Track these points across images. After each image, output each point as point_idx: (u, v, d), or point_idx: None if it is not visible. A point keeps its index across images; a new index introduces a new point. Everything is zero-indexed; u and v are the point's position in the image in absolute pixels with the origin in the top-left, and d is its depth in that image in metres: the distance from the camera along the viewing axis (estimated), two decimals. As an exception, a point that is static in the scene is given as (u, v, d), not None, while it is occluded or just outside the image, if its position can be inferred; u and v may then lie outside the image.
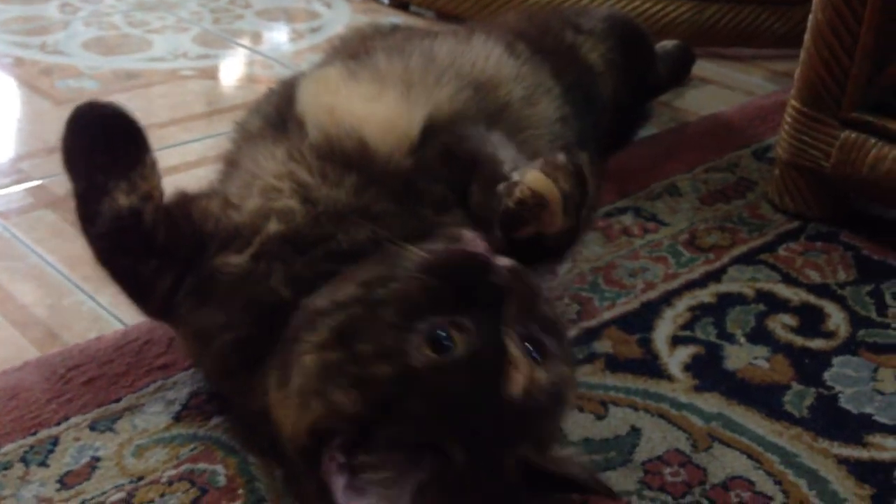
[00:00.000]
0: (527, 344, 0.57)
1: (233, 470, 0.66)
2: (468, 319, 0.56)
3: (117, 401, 0.72)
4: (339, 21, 1.60)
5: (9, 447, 0.67)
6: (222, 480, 0.65)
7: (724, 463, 0.70)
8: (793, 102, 1.01)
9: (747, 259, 0.95)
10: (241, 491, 0.65)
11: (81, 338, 0.79)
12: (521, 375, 0.55)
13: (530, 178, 0.63)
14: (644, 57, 1.19)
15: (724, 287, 0.90)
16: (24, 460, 0.66)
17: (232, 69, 1.40)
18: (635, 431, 0.72)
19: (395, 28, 1.19)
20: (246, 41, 1.50)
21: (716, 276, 0.92)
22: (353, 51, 0.92)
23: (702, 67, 1.48)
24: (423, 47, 0.86)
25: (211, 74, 1.36)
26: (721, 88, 1.42)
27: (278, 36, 1.53)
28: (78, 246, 0.90)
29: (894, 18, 0.93)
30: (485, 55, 0.88)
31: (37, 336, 0.81)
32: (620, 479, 0.68)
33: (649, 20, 1.49)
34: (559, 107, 0.92)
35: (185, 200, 0.69)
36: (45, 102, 1.23)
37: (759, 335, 0.84)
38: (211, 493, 0.64)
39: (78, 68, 1.34)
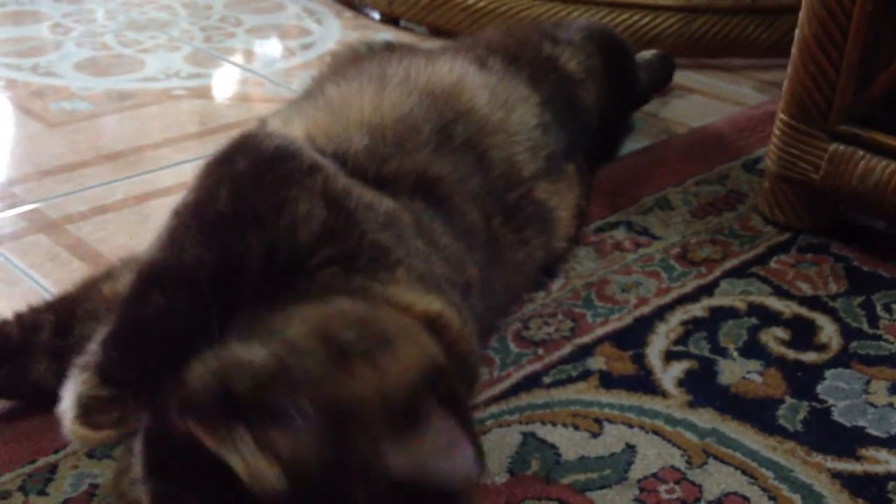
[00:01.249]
0: None
1: (231, 495, 0.67)
2: None
3: (114, 427, 0.72)
4: (331, 37, 1.61)
5: (7, 476, 0.67)
6: None
7: (719, 479, 0.70)
8: (781, 115, 1.02)
9: (739, 272, 0.96)
10: (239, 516, 0.65)
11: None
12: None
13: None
14: (623, 61, 1.20)
15: (717, 301, 0.91)
16: (22, 489, 0.66)
17: (224, 88, 1.40)
18: (630, 449, 0.73)
19: (383, 47, 1.19)
20: (238, 59, 1.51)
21: (708, 289, 0.93)
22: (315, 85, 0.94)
23: (690, 78, 1.49)
24: (375, 69, 0.88)
25: (203, 94, 1.37)
26: (710, 99, 1.43)
27: (270, 53, 1.54)
28: (72, 270, 0.92)
29: (879, 32, 0.94)
30: (448, 68, 0.90)
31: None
32: (616, 498, 0.68)
33: (637, 32, 1.51)
34: (538, 114, 0.93)
35: None
36: (38, 125, 1.24)
37: (752, 349, 0.84)
38: None
39: (71, 90, 1.34)
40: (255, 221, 0.64)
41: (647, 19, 1.51)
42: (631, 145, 1.24)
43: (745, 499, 0.68)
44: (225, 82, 1.42)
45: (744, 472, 0.71)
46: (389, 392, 0.55)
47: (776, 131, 1.03)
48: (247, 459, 0.51)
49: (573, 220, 0.95)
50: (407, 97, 0.83)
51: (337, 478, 0.52)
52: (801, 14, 0.98)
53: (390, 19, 1.68)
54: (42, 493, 0.66)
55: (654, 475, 0.70)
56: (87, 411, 0.59)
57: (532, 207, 0.88)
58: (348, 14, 1.72)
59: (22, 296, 0.89)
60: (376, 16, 1.70)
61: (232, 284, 0.62)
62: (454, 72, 0.90)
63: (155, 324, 0.61)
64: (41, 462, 0.69)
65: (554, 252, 0.92)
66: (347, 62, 1.04)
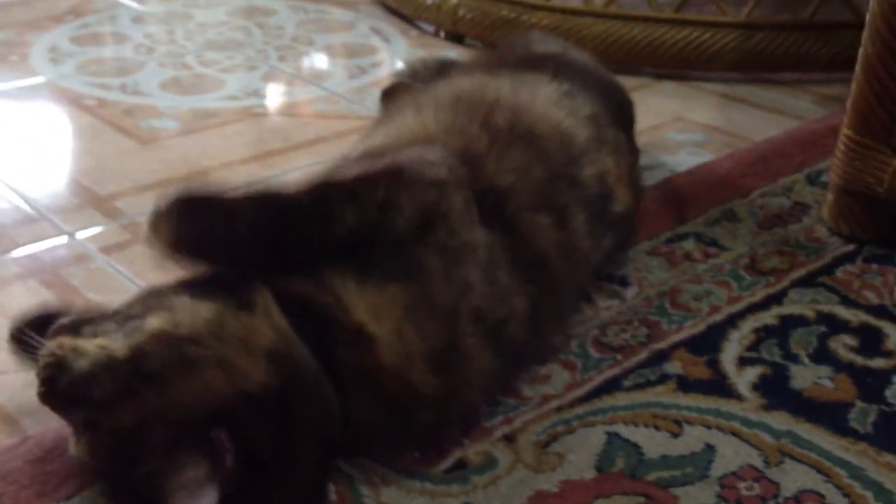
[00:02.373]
0: None
1: (343, 487, 0.72)
2: None
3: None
4: (398, 55, 1.68)
5: (138, 467, 0.74)
6: (332, 496, 0.72)
7: (796, 477, 0.74)
8: (845, 131, 1.06)
9: (807, 282, 1.00)
10: (350, 506, 0.71)
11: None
12: None
13: None
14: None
15: (786, 309, 0.95)
16: None
17: (301, 105, 1.47)
18: (710, 448, 0.77)
19: (437, 67, 1.28)
20: (312, 78, 1.57)
21: (777, 298, 0.97)
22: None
23: (750, 93, 1.53)
24: (410, 101, 1.00)
25: (282, 111, 1.44)
26: (771, 113, 1.46)
27: (341, 72, 1.60)
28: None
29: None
30: (467, 79, 1.01)
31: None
32: (698, 494, 0.73)
33: (698, 48, 1.55)
34: (558, 87, 0.99)
35: None
36: (131, 142, 1.31)
37: (822, 355, 0.89)
38: (323, 509, 0.70)
39: (158, 108, 1.42)
40: (360, 200, 0.73)
41: (706, 35, 1.55)
42: (694, 159, 1.28)
43: (821, 496, 0.73)
44: (302, 100, 1.49)
45: (819, 470, 0.75)
46: (175, 415, 0.63)
47: (840, 146, 1.07)
48: None
49: (628, 191, 0.99)
50: (449, 108, 0.92)
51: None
52: (865, 34, 1.02)
53: (455, 37, 1.73)
54: None
55: (734, 473, 0.75)
56: None
57: (596, 185, 0.94)
58: (414, 32, 1.78)
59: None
60: (441, 34, 1.75)
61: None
62: (473, 80, 1.00)
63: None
64: (167, 455, 0.75)
65: (614, 221, 0.96)
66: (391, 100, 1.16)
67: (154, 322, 0.67)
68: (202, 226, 0.71)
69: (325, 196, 0.73)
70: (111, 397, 0.64)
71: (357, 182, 0.74)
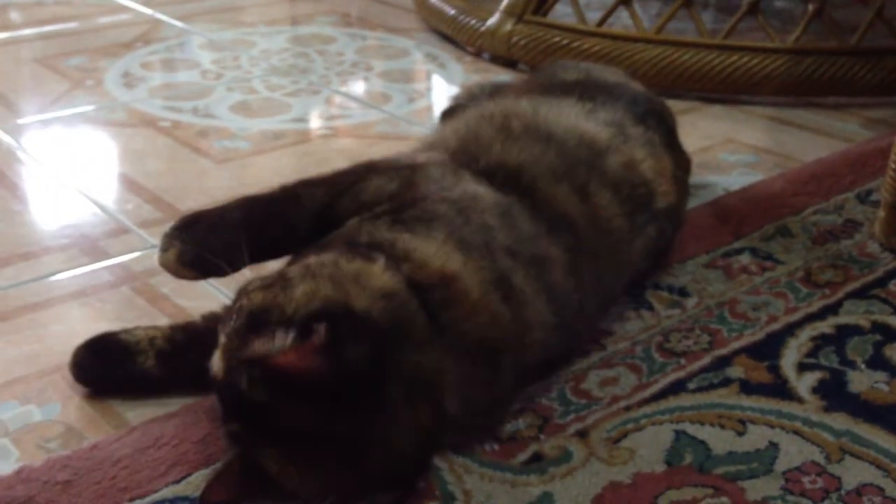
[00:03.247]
0: None
1: (428, 476, 0.78)
2: None
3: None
4: (454, 81, 1.74)
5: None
6: (420, 484, 0.77)
7: (856, 472, 0.78)
8: (897, 150, 1.10)
9: (860, 294, 1.04)
10: (437, 493, 0.76)
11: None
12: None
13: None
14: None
15: (842, 319, 0.99)
16: (252, 466, 0.78)
17: (364, 128, 1.54)
18: (773, 446, 0.82)
19: (491, 89, 1.36)
20: (373, 101, 1.64)
21: (833, 309, 1.01)
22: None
23: (799, 116, 1.57)
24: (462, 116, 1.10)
25: (347, 133, 1.50)
26: (819, 136, 1.51)
27: (400, 96, 1.67)
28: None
29: None
30: (495, 103, 1.11)
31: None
32: (764, 487, 0.77)
33: (747, 73, 1.60)
34: (581, 107, 1.06)
35: None
36: (207, 162, 1.38)
37: (878, 362, 0.93)
38: (412, 494, 0.75)
39: (230, 130, 1.49)
40: (331, 185, 0.91)
41: (755, 61, 1.60)
42: (747, 179, 1.33)
43: (880, 489, 0.77)
44: (364, 122, 1.56)
45: (877, 466, 0.79)
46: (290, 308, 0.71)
47: (892, 164, 1.11)
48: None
49: (671, 185, 1.04)
50: (472, 122, 1.03)
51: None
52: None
53: (508, 63, 1.80)
54: (269, 470, 0.78)
55: (798, 468, 0.79)
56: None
57: (623, 171, 0.99)
58: (468, 58, 1.85)
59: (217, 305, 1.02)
60: (495, 60, 1.82)
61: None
62: (503, 101, 1.11)
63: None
64: (264, 445, 0.81)
65: (658, 213, 1.01)
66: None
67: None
68: (199, 240, 0.85)
69: (295, 185, 0.91)
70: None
71: (331, 173, 0.92)
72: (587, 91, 1.09)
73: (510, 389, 0.82)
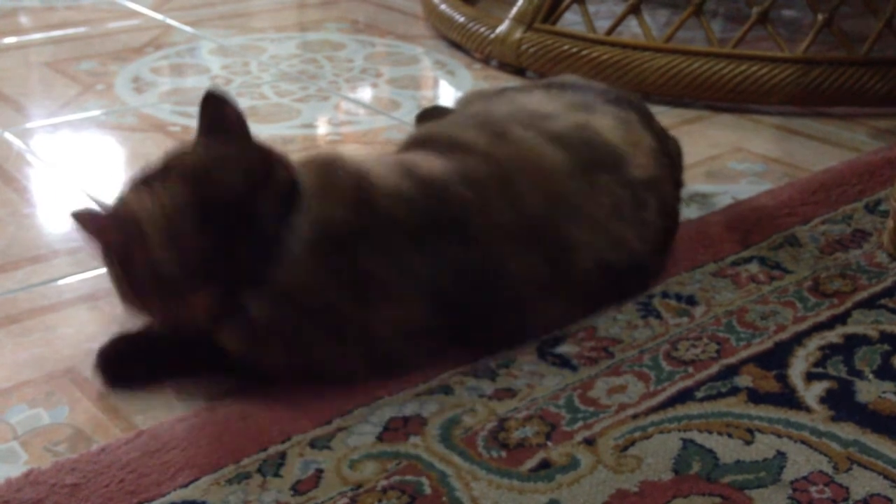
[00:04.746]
0: None
1: (435, 481, 0.78)
2: None
3: (329, 423, 0.84)
4: (463, 87, 1.74)
5: (247, 460, 0.79)
6: (427, 490, 0.77)
7: (864, 482, 0.78)
8: (906, 160, 1.10)
9: (869, 304, 1.04)
10: (444, 499, 0.76)
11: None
12: None
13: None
14: None
15: (850, 329, 0.99)
16: (260, 471, 0.78)
17: (374, 134, 1.54)
18: (781, 455, 0.81)
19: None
20: (382, 108, 1.64)
21: (841, 318, 1.01)
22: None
23: (808, 126, 1.57)
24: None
25: (357, 139, 1.51)
26: (827, 145, 1.51)
27: (409, 103, 1.67)
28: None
29: None
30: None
31: (246, 369, 0.94)
32: (772, 496, 0.77)
33: (756, 83, 1.60)
34: (545, 92, 1.14)
35: None
36: (216, 166, 1.39)
37: (886, 372, 0.92)
38: (419, 500, 0.76)
39: (240, 135, 1.49)
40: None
41: (764, 70, 1.60)
42: (755, 188, 1.33)
43: (888, 499, 0.77)
44: (373, 129, 1.56)
45: (885, 476, 0.79)
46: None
47: (901, 175, 1.11)
48: None
49: (648, 159, 1.05)
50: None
51: None
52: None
53: (517, 70, 1.80)
54: (277, 475, 0.78)
55: (805, 478, 0.79)
56: None
57: (574, 130, 1.04)
58: (477, 66, 1.85)
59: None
60: (504, 67, 1.82)
61: None
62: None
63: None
64: (272, 450, 0.81)
65: (634, 182, 1.02)
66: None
67: None
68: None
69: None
70: None
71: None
72: (554, 86, 1.16)
73: None
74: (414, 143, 1.06)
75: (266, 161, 0.88)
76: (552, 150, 1.00)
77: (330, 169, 0.89)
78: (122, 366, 0.91)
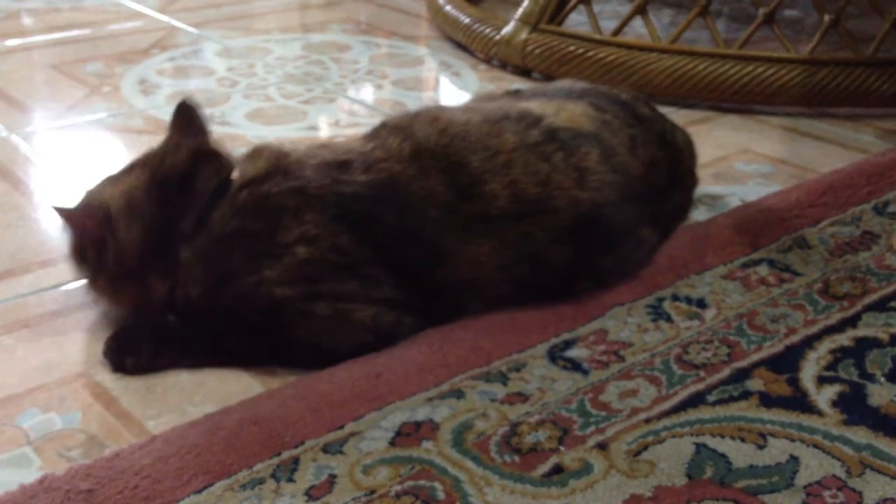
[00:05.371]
0: None
1: (449, 487, 0.78)
2: None
3: (341, 428, 0.84)
4: (469, 88, 1.74)
5: (260, 465, 0.80)
6: (441, 495, 0.77)
7: (877, 487, 0.78)
8: (915, 162, 1.10)
9: (879, 306, 1.04)
10: (458, 504, 0.76)
11: (297, 374, 0.92)
12: None
13: None
14: None
15: (861, 332, 0.99)
16: (274, 476, 0.78)
17: (380, 136, 1.54)
18: (794, 459, 0.82)
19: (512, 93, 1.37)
20: (388, 109, 1.64)
21: (852, 321, 1.01)
22: None
23: (814, 126, 1.57)
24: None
25: (363, 141, 1.51)
26: (834, 146, 1.51)
27: (415, 104, 1.67)
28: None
29: None
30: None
31: (260, 372, 0.94)
32: (785, 501, 0.77)
33: (763, 83, 1.60)
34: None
35: None
36: (224, 169, 1.39)
37: (898, 375, 0.93)
38: (434, 506, 0.76)
39: (247, 137, 1.50)
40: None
41: (771, 71, 1.60)
42: (763, 189, 1.33)
43: (903, 505, 0.77)
44: (380, 130, 1.56)
45: (899, 481, 0.79)
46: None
47: (910, 177, 1.11)
48: None
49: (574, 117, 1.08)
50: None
51: None
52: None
53: (523, 71, 1.80)
54: (290, 480, 0.78)
55: (818, 482, 0.79)
56: None
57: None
58: (483, 67, 1.85)
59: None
60: (509, 68, 1.82)
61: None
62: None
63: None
64: (285, 455, 0.81)
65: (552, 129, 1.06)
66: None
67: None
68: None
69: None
70: None
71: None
72: (548, 88, 1.24)
73: None
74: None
75: (210, 150, 1.02)
76: (471, 117, 1.05)
77: (259, 148, 1.03)
78: (129, 350, 0.95)
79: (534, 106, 1.09)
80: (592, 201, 1.01)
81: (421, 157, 1.00)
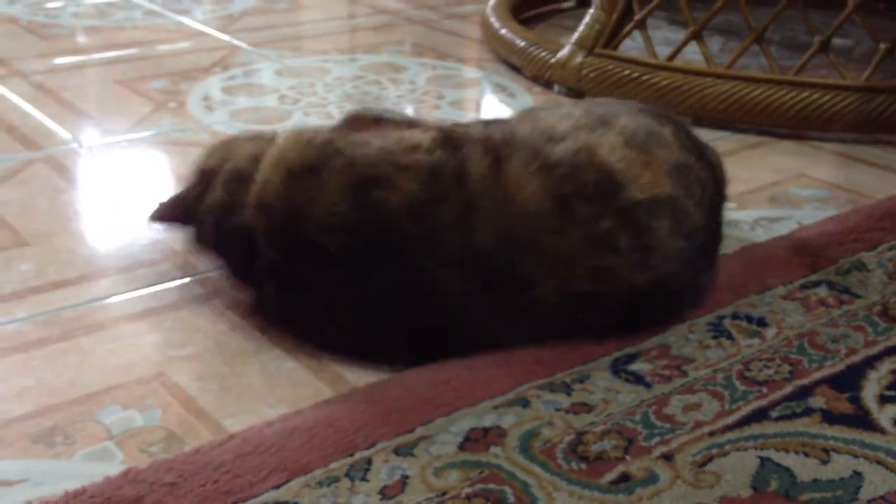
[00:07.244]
0: None
1: (518, 491, 0.80)
2: None
3: (411, 431, 0.87)
4: (524, 110, 1.77)
5: (335, 464, 0.82)
6: (511, 499, 0.79)
7: (942, 504, 0.79)
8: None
9: (940, 329, 1.05)
10: (528, 508, 0.78)
11: (365, 381, 0.95)
12: None
13: None
14: None
15: (922, 354, 1.00)
16: (348, 476, 0.81)
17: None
18: (857, 475, 0.83)
19: None
20: (445, 129, 1.68)
21: (913, 343, 1.02)
22: None
23: (869, 153, 1.58)
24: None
25: (423, 159, 1.54)
26: (889, 173, 1.52)
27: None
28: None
29: None
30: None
31: (327, 377, 0.97)
32: (850, 514, 0.78)
33: (818, 110, 1.61)
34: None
35: None
36: (288, 183, 1.43)
37: (960, 397, 0.93)
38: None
39: (309, 153, 1.53)
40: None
41: (827, 97, 1.61)
42: (820, 213, 1.34)
43: (968, 522, 0.78)
44: (438, 149, 1.59)
45: (964, 500, 0.80)
46: None
47: (971, 203, 1.12)
48: None
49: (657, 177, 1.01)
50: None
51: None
52: None
53: (577, 94, 1.83)
54: (364, 479, 0.81)
55: (882, 497, 0.80)
56: None
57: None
58: (537, 89, 1.88)
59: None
60: (564, 91, 1.85)
61: None
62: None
63: None
64: (358, 455, 0.83)
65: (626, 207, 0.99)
66: None
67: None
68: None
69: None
70: None
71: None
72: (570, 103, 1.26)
73: None
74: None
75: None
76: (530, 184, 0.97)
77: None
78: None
79: (606, 155, 0.99)
80: (652, 281, 0.98)
81: None
